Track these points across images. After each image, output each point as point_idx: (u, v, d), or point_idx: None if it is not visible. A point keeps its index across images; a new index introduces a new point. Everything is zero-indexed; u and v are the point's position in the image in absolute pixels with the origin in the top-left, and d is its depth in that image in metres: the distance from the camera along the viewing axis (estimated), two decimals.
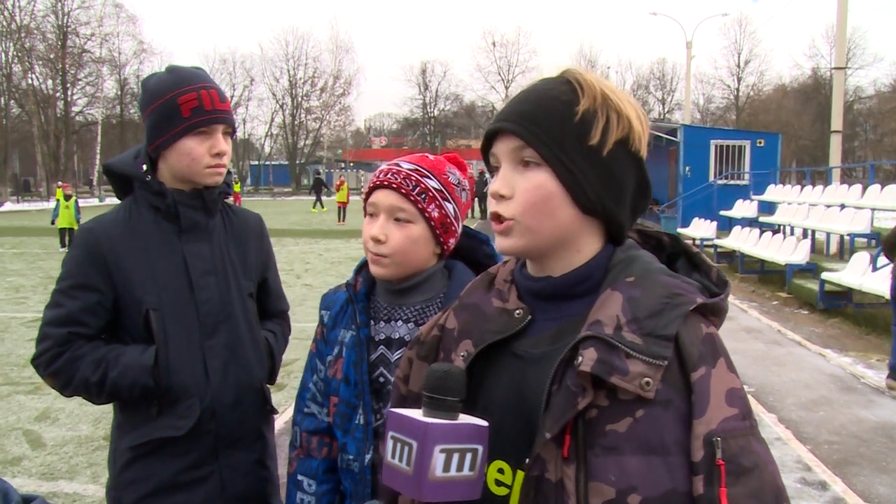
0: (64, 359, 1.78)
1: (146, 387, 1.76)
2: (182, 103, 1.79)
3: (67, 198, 17.79)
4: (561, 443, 0.92)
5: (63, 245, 17.31)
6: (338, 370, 1.58)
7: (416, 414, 0.94)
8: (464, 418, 0.95)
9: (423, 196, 1.49)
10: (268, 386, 2.02)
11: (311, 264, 14.72)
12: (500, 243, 1.03)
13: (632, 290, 0.96)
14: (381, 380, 1.54)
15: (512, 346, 1.03)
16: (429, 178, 1.51)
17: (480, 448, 0.94)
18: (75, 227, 16.97)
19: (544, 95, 1.00)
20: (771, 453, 0.96)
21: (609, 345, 0.91)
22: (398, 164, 1.53)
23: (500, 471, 1.01)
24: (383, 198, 1.50)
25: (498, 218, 1.02)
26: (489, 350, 1.04)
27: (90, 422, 5.42)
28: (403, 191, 1.48)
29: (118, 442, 1.89)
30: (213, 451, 1.85)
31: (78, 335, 1.80)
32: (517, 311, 1.05)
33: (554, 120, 0.98)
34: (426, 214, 1.50)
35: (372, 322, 1.58)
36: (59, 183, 19.99)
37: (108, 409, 1.92)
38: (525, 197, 0.99)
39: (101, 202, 42.57)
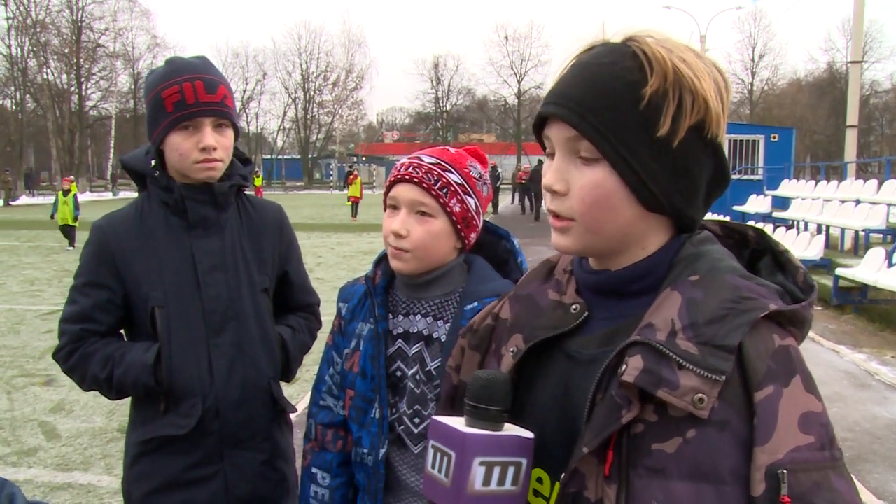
0: (78, 355, 1.80)
1: (147, 385, 1.77)
2: (165, 98, 1.75)
3: (66, 192, 16.87)
4: (603, 459, 0.82)
5: (71, 243, 16.60)
6: (354, 363, 1.58)
7: (457, 423, 0.89)
8: (508, 429, 0.89)
9: (444, 190, 1.48)
10: (280, 384, 1.97)
11: (324, 258, 14.75)
12: (556, 240, 0.92)
13: (694, 290, 0.84)
14: (398, 374, 1.53)
15: (565, 344, 0.94)
16: (451, 172, 1.50)
17: (524, 461, 0.88)
18: (70, 223, 16.47)
19: (604, 74, 0.85)
20: (858, 495, 0.82)
21: (659, 353, 0.80)
22: (420, 158, 1.51)
23: (539, 480, 0.93)
24: (405, 192, 1.48)
25: (555, 215, 0.91)
26: (541, 347, 0.95)
27: (104, 414, 5.47)
28: (425, 185, 1.47)
29: (129, 436, 1.90)
30: (217, 451, 1.83)
31: (91, 332, 1.81)
32: (574, 307, 0.94)
33: (615, 106, 0.84)
34: (448, 209, 1.49)
35: (390, 316, 1.57)
36: (71, 177, 19.23)
37: (122, 401, 1.92)
38: (582, 195, 0.87)
39: (115, 196, 42.84)
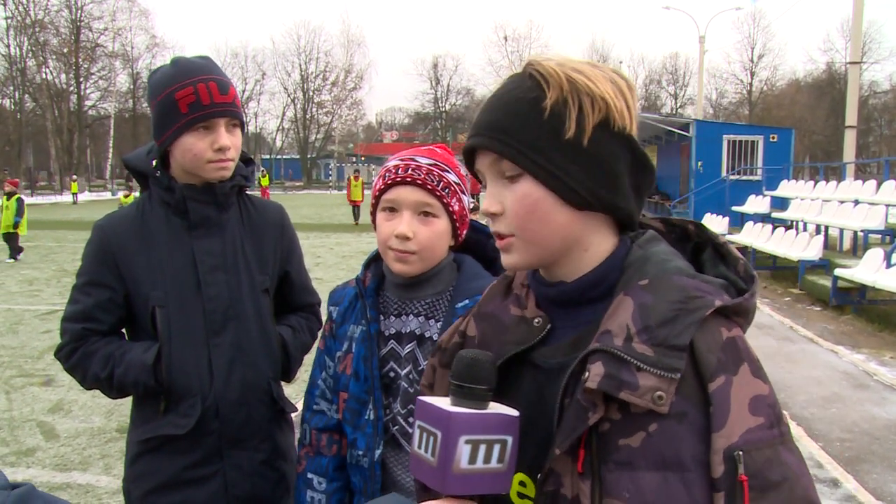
0: (79, 354, 1.81)
1: (147, 385, 1.77)
2: (179, 99, 1.74)
3: (10, 196, 14.65)
4: (576, 457, 0.87)
5: (13, 255, 14.59)
6: (347, 366, 1.58)
7: (442, 403, 0.90)
8: (493, 407, 0.91)
9: (446, 190, 1.49)
10: (280, 384, 1.97)
11: (323, 258, 14.75)
12: (505, 260, 0.99)
13: (644, 295, 0.89)
14: (392, 374, 1.53)
15: (532, 355, 0.98)
16: (448, 172, 1.51)
17: (510, 439, 0.89)
18: (12, 230, 14.46)
19: (510, 98, 0.94)
20: (805, 464, 0.89)
21: (618, 358, 0.85)
22: (414, 160, 1.51)
23: (522, 483, 0.97)
24: (408, 194, 1.48)
25: (498, 235, 0.97)
26: (510, 361, 0.99)
27: (103, 414, 5.47)
28: (429, 186, 1.47)
29: (130, 435, 1.90)
30: (217, 451, 1.83)
31: (92, 331, 1.82)
32: (536, 320, 0.99)
33: (522, 123, 0.92)
34: (450, 208, 1.50)
35: (381, 317, 1.57)
36: (17, 180, 16.62)
37: (121, 401, 1.93)
38: (515, 210, 0.94)
39: (114, 195, 42.84)
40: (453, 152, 1.60)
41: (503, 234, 0.96)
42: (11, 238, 14.58)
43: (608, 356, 0.86)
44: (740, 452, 0.83)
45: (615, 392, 0.84)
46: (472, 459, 0.87)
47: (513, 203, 0.94)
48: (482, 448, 0.88)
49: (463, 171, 1.56)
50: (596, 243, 0.96)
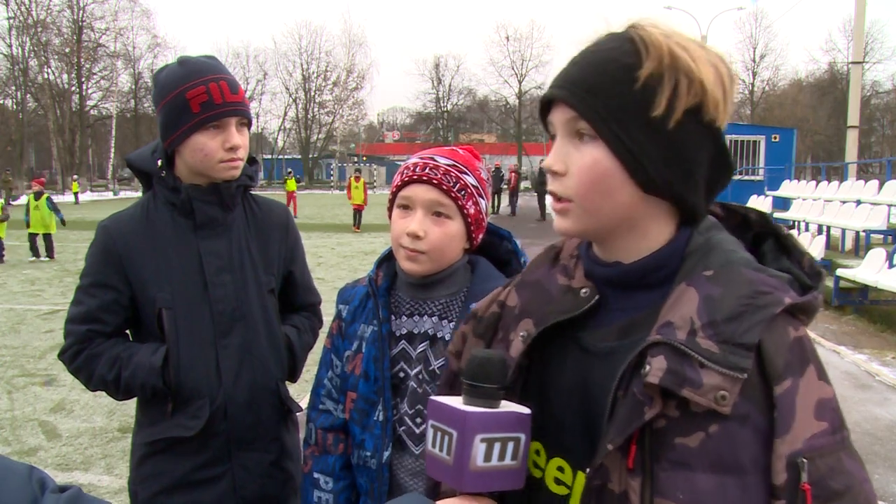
0: (84, 356, 1.80)
1: (155, 387, 1.76)
2: (191, 98, 1.73)
3: (38, 196, 14.45)
4: (626, 453, 0.84)
5: (35, 254, 14.33)
6: (356, 366, 1.56)
7: (456, 402, 0.91)
8: (505, 406, 0.91)
9: (462, 192, 1.48)
10: (287, 385, 1.96)
11: (324, 258, 14.75)
12: (557, 223, 0.94)
13: (710, 287, 0.85)
14: (401, 375, 1.52)
15: (578, 335, 0.94)
16: (466, 174, 1.49)
17: (523, 436, 0.90)
18: (53, 231, 14.34)
19: (603, 58, 0.88)
20: (865, 469, 0.85)
21: (681, 353, 0.81)
22: (434, 159, 1.50)
23: (560, 469, 0.95)
24: (422, 193, 1.47)
25: (556, 197, 0.92)
26: (553, 334, 0.95)
27: (104, 413, 5.47)
28: (445, 187, 1.46)
29: (136, 436, 1.90)
30: (225, 452, 1.82)
31: (97, 332, 1.81)
32: (583, 291, 0.95)
33: (611, 87, 0.86)
34: (464, 211, 1.48)
35: (392, 317, 1.56)
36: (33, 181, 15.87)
37: (122, 401, 1.92)
38: (580, 175, 0.88)
39: (116, 195, 42.86)
40: (478, 154, 1.59)
41: (561, 197, 0.92)
42: (47, 238, 14.38)
43: (671, 350, 0.82)
44: (804, 460, 0.79)
45: (677, 389, 0.80)
46: (488, 457, 0.88)
47: (580, 167, 0.89)
48: (497, 446, 0.89)
49: (484, 174, 1.55)
50: (655, 230, 0.92)
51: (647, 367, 0.82)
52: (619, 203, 0.89)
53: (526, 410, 0.91)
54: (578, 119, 0.88)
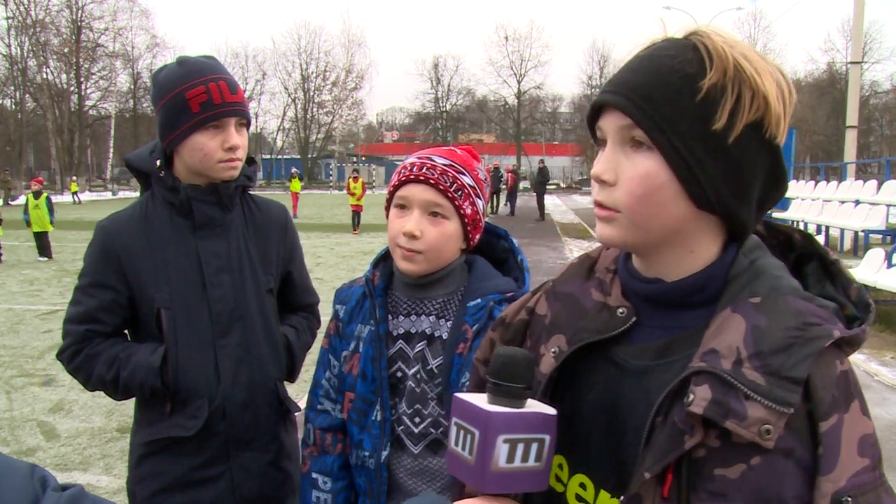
0: (82, 356, 1.80)
1: (154, 387, 1.76)
2: (190, 98, 1.73)
3: (37, 195, 14.34)
4: (662, 480, 0.81)
5: (42, 253, 14.33)
6: (354, 366, 1.56)
7: (480, 401, 0.88)
8: (531, 405, 0.89)
9: (459, 193, 1.47)
10: (285, 385, 1.96)
11: (323, 258, 14.74)
12: (600, 231, 0.90)
13: (757, 316, 0.81)
14: (399, 374, 1.52)
15: (611, 350, 0.91)
16: (464, 174, 1.49)
17: (547, 438, 0.88)
18: (49, 230, 14.29)
19: (663, 65, 0.83)
20: None
21: (726, 383, 0.78)
22: (431, 159, 1.49)
23: (582, 486, 0.93)
24: (419, 192, 1.47)
25: (600, 205, 0.88)
26: (584, 349, 0.93)
27: (103, 414, 5.46)
28: (441, 187, 1.46)
29: (134, 436, 1.90)
30: (224, 452, 1.82)
31: (95, 332, 1.81)
32: (620, 311, 0.92)
33: (671, 97, 0.82)
34: (461, 211, 1.48)
35: (389, 317, 1.56)
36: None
37: (121, 401, 1.92)
38: (631, 186, 0.84)
39: (115, 196, 42.85)
40: (477, 154, 1.59)
41: (606, 206, 0.87)
42: (43, 237, 14.29)
43: (716, 379, 0.79)
44: (849, 498, 0.78)
45: (721, 420, 0.78)
46: (511, 458, 0.86)
47: (631, 178, 0.85)
48: (520, 447, 0.86)
49: (482, 175, 1.55)
50: (703, 246, 0.88)
51: (691, 396, 0.79)
52: (670, 217, 0.85)
53: (552, 411, 0.89)
54: (634, 127, 0.84)
